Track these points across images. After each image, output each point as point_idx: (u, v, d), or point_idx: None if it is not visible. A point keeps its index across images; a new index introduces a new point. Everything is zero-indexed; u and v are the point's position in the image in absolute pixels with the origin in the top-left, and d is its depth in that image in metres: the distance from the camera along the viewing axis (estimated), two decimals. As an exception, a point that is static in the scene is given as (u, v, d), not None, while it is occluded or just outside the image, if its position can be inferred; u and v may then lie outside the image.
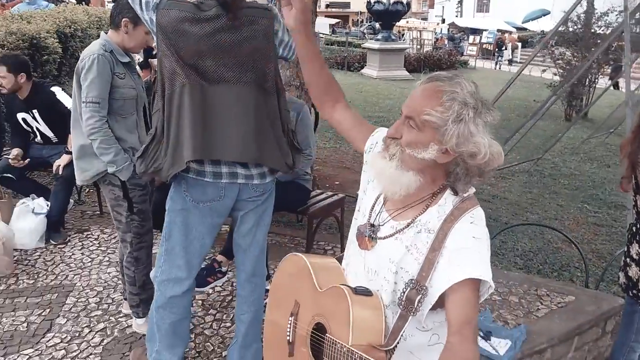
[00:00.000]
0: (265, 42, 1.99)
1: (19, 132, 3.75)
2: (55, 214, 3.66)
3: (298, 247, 3.62)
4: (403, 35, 27.28)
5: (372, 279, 1.42)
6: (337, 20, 37.63)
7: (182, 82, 1.92)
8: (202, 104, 1.93)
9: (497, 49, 24.15)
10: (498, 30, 28.31)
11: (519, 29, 29.51)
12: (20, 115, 3.66)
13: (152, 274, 2.55)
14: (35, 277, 3.21)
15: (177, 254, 2.15)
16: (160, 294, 2.22)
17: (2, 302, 2.92)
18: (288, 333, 1.55)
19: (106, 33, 2.49)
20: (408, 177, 1.33)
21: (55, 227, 3.69)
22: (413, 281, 1.33)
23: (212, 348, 2.58)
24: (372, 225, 1.45)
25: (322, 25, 31.17)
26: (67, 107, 3.45)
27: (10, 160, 3.62)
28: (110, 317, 2.80)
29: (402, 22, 27.02)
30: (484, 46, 26.92)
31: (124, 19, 2.41)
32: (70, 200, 4.01)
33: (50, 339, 2.60)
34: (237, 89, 1.95)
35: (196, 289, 3.01)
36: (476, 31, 30.69)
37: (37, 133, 3.72)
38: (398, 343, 1.36)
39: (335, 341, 1.33)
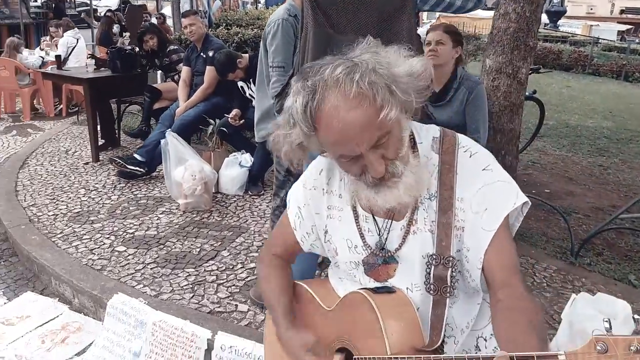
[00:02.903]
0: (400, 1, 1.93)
1: (240, 97, 4.35)
2: (255, 170, 4.16)
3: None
4: None
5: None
6: (631, 26, 32.84)
7: (313, 26, 1.99)
8: (325, 50, 1.97)
9: None
10: None
11: None
12: (240, 84, 4.26)
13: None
14: (224, 216, 3.71)
15: None
16: None
17: (191, 229, 3.48)
18: None
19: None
20: (416, 166, 1.12)
21: (254, 181, 4.20)
22: (434, 256, 1.13)
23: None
24: (382, 248, 1.22)
25: (609, 31, 27.62)
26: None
27: (229, 118, 4.24)
28: (263, 260, 3.08)
29: None
30: None
31: None
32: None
33: (209, 265, 3.00)
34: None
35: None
36: None
37: (253, 99, 4.26)
38: (445, 336, 1.15)
39: (370, 358, 1.11)
